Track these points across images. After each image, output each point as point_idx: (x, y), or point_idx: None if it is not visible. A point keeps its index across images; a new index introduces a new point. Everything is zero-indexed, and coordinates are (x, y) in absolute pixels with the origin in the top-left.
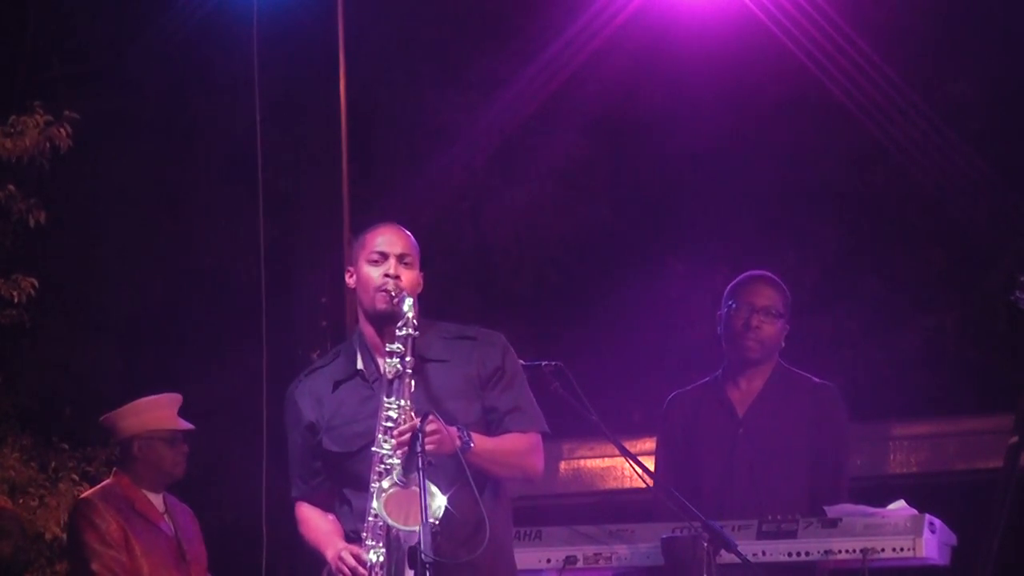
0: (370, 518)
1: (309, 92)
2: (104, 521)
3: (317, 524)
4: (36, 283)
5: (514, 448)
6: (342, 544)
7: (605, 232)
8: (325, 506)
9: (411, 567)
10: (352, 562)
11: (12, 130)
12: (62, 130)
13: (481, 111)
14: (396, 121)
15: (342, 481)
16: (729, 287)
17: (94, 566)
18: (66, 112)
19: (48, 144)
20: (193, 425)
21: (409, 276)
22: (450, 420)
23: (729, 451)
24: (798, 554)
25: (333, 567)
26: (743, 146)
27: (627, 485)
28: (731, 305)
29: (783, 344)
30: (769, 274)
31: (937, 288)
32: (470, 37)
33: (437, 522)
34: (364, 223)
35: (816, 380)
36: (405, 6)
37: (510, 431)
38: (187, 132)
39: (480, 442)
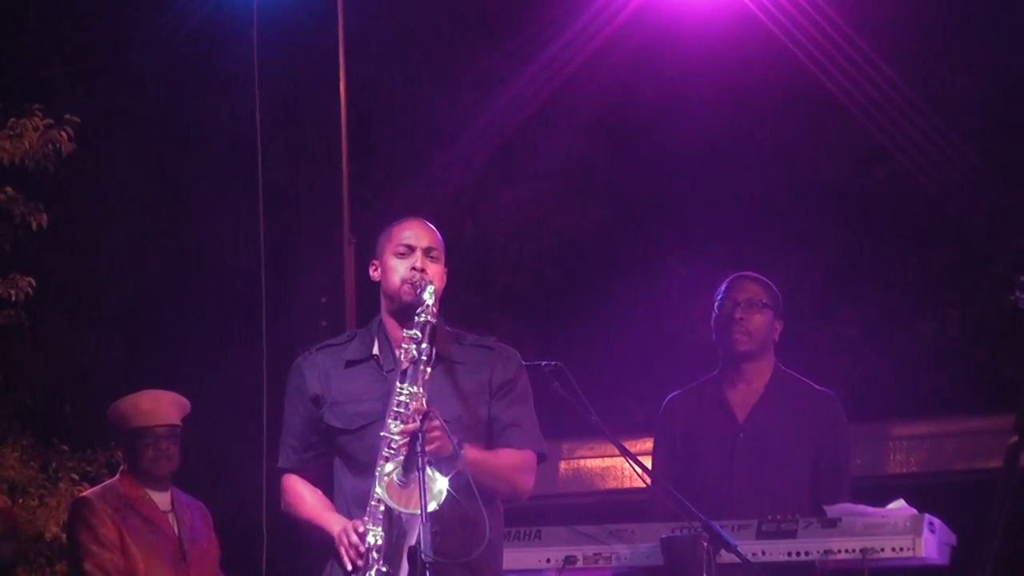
0: (372, 502)
1: (309, 92)
2: (99, 520)
3: (311, 499)
4: (33, 282)
5: (505, 463)
6: (345, 520)
7: (605, 232)
8: (313, 481)
9: (410, 567)
10: (354, 538)
11: (12, 132)
12: (63, 133)
13: (481, 111)
14: (396, 121)
15: (337, 457)
16: (716, 292)
17: (86, 565)
18: (67, 116)
19: (51, 147)
20: (175, 423)
21: (434, 270)
22: (458, 419)
23: (729, 456)
24: (798, 554)
25: (338, 541)
26: (742, 146)
27: (627, 485)
28: (717, 306)
29: (776, 338)
30: (751, 273)
31: (937, 288)
32: (470, 37)
33: (439, 506)
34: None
35: (817, 387)
36: (405, 6)
37: (508, 445)
38: (187, 131)
39: (471, 453)
